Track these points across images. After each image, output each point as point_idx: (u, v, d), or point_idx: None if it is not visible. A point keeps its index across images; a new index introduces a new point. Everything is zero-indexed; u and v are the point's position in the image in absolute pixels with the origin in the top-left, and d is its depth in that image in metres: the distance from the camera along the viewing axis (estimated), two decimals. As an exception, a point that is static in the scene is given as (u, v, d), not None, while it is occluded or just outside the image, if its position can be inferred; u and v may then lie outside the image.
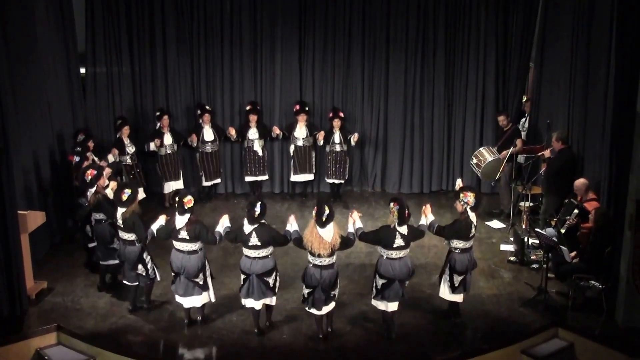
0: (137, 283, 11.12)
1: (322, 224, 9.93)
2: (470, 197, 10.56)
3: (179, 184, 15.10)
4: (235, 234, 10.39)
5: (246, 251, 10.27)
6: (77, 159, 12.47)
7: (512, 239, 13.36)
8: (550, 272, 11.48)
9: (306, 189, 16.15)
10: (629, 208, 10.22)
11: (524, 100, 16.09)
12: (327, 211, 9.92)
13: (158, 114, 15.05)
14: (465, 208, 10.52)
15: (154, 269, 11.12)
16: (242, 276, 10.37)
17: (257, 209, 10.13)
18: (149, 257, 11.04)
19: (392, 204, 10.23)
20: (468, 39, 15.67)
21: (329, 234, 9.96)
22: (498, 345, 10.37)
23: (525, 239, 12.65)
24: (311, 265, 10.13)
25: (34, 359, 10.51)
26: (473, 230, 10.56)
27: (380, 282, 10.26)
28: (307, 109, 15.49)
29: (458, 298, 10.80)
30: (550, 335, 10.69)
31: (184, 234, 10.32)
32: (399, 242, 10.12)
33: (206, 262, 10.65)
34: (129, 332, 10.64)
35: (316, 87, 16.01)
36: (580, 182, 11.83)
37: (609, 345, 10.16)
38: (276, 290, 10.49)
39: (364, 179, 16.54)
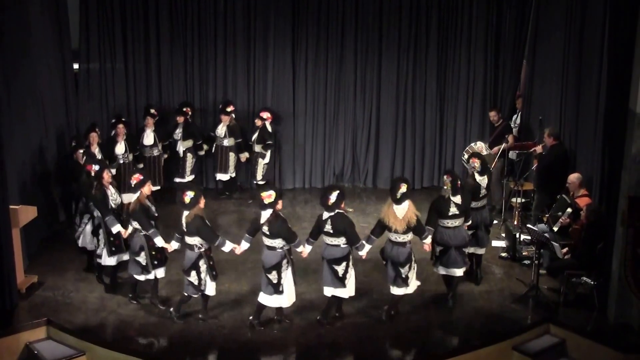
0: (187, 293, 10.67)
1: (397, 201, 10.33)
2: (476, 163, 11.71)
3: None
4: (317, 224, 10.55)
5: (323, 237, 10.49)
6: (96, 167, 11.55)
7: (503, 235, 13.33)
8: (541, 268, 11.48)
9: (231, 186, 15.94)
10: (622, 204, 10.20)
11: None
12: (401, 189, 10.30)
13: (113, 121, 14.47)
14: (473, 172, 11.62)
15: (206, 282, 10.56)
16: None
17: (332, 197, 10.25)
18: (205, 265, 10.51)
19: (445, 177, 11.06)
20: (460, 35, 15.70)
21: (403, 211, 10.34)
22: (489, 341, 10.34)
23: (517, 235, 12.63)
24: (388, 240, 10.59)
25: (23, 353, 10.44)
26: (483, 191, 11.65)
27: (438, 249, 11.02)
28: (229, 109, 15.32)
29: (481, 251, 11.76)
30: (541, 332, 10.67)
31: (265, 229, 10.28)
32: (453, 210, 10.91)
33: (283, 263, 10.33)
34: (119, 327, 10.58)
35: (309, 84, 16.01)
36: (574, 176, 11.82)
37: (600, 341, 10.15)
38: (345, 282, 10.42)
39: (355, 175, 16.53)
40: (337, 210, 10.29)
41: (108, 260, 11.37)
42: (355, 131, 16.26)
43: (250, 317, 10.61)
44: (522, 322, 10.78)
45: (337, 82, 16.06)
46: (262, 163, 15.39)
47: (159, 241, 10.70)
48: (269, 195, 10.20)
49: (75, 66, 15.30)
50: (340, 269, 10.36)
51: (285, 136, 16.21)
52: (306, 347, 10.16)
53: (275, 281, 10.29)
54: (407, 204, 10.38)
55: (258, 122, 15.24)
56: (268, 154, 15.41)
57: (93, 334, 10.42)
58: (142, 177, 10.83)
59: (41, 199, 12.98)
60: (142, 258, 10.77)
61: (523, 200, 13.60)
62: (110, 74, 15.60)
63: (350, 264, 10.47)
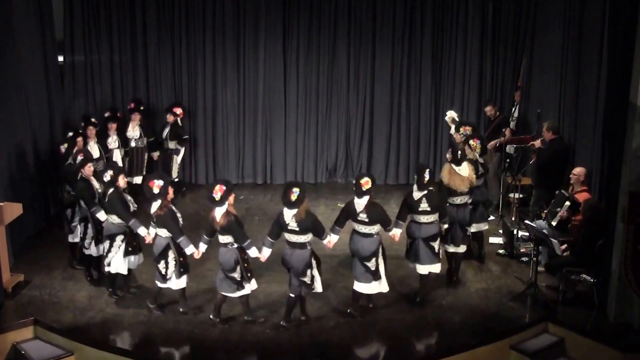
0: (296, 295, 10.31)
1: (458, 162, 11.07)
2: (469, 130, 12.52)
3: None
4: (407, 205, 10.73)
5: (415, 217, 10.70)
6: (160, 182, 10.39)
7: (501, 231, 13.19)
8: (540, 265, 11.32)
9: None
10: (622, 200, 10.07)
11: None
12: (459, 152, 11.15)
13: (71, 134, 13.03)
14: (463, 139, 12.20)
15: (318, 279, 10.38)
16: (408, 240, 10.84)
17: (426, 175, 10.46)
18: (315, 262, 10.30)
19: (472, 141, 11.93)
20: (456, 25, 15.56)
21: (465, 170, 11.14)
22: (486, 340, 10.20)
23: (515, 232, 12.49)
24: (450, 205, 11.16)
25: (10, 353, 10.31)
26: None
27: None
28: (141, 108, 14.96)
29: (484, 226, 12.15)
30: (540, 330, 10.55)
31: (363, 217, 10.19)
32: (480, 170, 11.77)
33: (379, 249, 10.39)
34: (107, 327, 10.43)
35: (300, 75, 15.86)
36: (582, 169, 11.60)
37: (600, 340, 10.04)
38: (439, 257, 10.81)
39: (349, 170, 16.38)
40: (429, 188, 10.57)
41: (179, 283, 10.66)
42: (348, 124, 16.12)
43: (349, 310, 10.66)
44: (520, 320, 10.64)
45: (329, 73, 15.92)
46: (176, 160, 15.05)
47: (253, 252, 10.24)
48: (366, 182, 10.18)
49: (60, 58, 15.10)
50: (436, 245, 10.74)
51: (277, 129, 16.06)
52: (299, 346, 10.01)
53: (373, 268, 10.34)
54: (465, 164, 11.17)
55: (170, 118, 14.82)
56: (182, 150, 15.09)
57: (81, 333, 10.28)
58: (225, 188, 9.99)
59: (27, 196, 12.79)
60: (237, 273, 10.16)
61: (521, 195, 13.48)
62: (97, 66, 15.41)
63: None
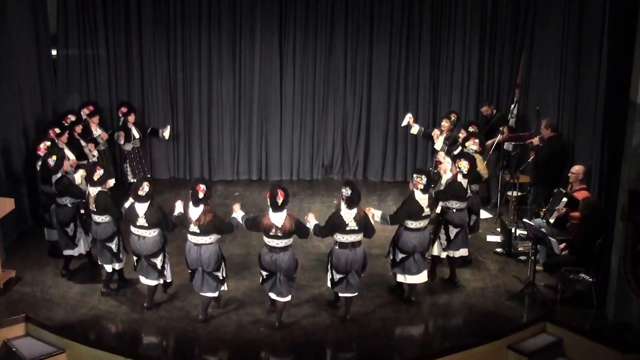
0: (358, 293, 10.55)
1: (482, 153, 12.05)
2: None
3: None
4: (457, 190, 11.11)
5: (456, 203, 11.18)
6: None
7: (499, 229, 13.08)
8: (538, 264, 11.22)
9: None
10: (621, 198, 10.02)
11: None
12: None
13: (59, 130, 12.63)
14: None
15: None
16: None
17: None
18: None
19: (470, 127, 12.60)
20: (455, 20, 15.38)
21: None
22: (484, 340, 10.14)
23: (513, 230, 12.44)
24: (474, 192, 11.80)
25: (1, 350, 10.26)
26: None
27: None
28: (100, 109, 14.66)
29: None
30: (538, 330, 10.49)
31: (427, 211, 10.48)
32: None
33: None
34: (99, 324, 10.37)
35: (297, 71, 15.69)
36: (580, 167, 11.51)
37: (599, 340, 9.98)
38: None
39: (345, 167, 16.24)
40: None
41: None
42: (345, 121, 15.98)
43: (413, 297, 10.89)
44: (517, 320, 10.59)
45: (326, 69, 15.76)
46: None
47: None
48: (418, 182, 10.45)
49: (54, 52, 14.98)
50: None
51: (272, 125, 15.92)
52: (293, 345, 9.93)
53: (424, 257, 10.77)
54: None
55: (132, 118, 14.55)
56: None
57: (73, 330, 10.22)
58: (285, 192, 9.86)
59: (18, 191, 12.72)
60: (296, 273, 10.35)
61: (519, 193, 13.44)
62: (91, 60, 15.24)
63: None
